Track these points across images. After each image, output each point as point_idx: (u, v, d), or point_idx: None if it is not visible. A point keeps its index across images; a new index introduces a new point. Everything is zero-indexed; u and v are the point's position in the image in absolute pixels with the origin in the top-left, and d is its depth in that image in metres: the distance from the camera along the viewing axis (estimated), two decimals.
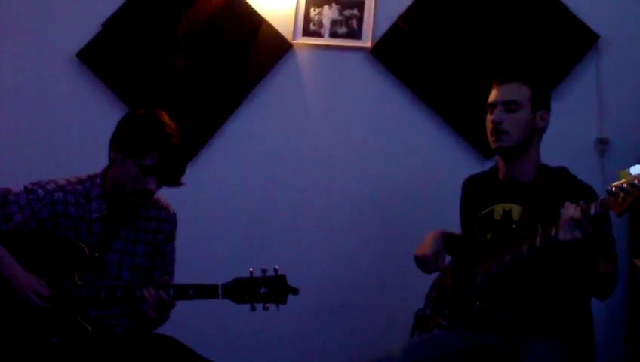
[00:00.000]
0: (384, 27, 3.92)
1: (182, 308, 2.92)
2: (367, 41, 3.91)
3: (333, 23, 3.92)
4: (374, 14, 3.91)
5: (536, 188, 2.87)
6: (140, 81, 3.93)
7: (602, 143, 3.82)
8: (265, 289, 2.71)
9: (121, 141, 2.83)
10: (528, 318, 2.79)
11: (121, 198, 2.84)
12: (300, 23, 3.93)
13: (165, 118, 2.84)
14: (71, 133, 3.94)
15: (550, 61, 3.85)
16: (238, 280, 2.73)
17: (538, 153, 2.95)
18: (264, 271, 2.72)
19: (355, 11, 3.92)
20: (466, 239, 3.05)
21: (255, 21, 3.93)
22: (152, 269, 2.99)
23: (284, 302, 2.72)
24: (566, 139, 3.68)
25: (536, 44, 3.87)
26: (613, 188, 2.42)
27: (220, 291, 2.72)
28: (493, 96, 2.94)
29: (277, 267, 2.73)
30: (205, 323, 3.72)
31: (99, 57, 3.95)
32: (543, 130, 2.95)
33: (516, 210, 2.87)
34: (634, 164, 2.46)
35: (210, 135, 3.93)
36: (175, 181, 2.87)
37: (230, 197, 3.94)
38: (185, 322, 3.13)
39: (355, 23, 3.91)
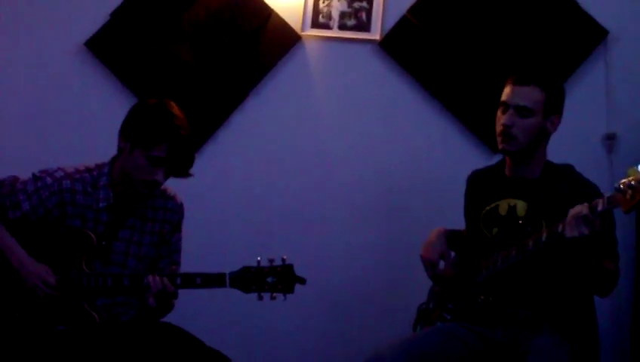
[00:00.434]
0: (393, 20, 3.91)
1: (188, 298, 2.94)
2: (375, 34, 3.90)
3: (342, 15, 3.91)
4: (383, 7, 3.90)
5: (542, 185, 2.87)
6: (148, 70, 3.92)
7: (610, 139, 3.82)
8: (272, 279, 2.72)
9: (130, 131, 2.83)
10: (532, 313, 2.79)
11: (128, 187, 2.85)
12: (309, 14, 3.92)
13: (175, 109, 2.84)
14: (79, 123, 3.94)
15: (559, 56, 3.84)
16: (246, 269, 2.73)
17: (544, 152, 2.94)
18: (271, 260, 2.73)
19: (364, 3, 3.91)
20: (470, 233, 3.05)
21: (264, 12, 3.92)
22: (158, 259, 2.99)
23: (291, 291, 2.73)
24: (574, 134, 3.67)
25: (545, 39, 3.86)
26: (621, 186, 2.41)
27: (227, 280, 2.73)
28: (506, 95, 2.88)
29: (284, 256, 2.74)
30: (211, 312, 3.73)
31: (107, 47, 3.94)
32: (551, 133, 2.93)
33: (521, 205, 2.87)
34: None
35: (217, 126, 3.92)
36: (183, 172, 2.88)
37: (237, 189, 3.94)
38: (191, 311, 3.14)
39: (364, 16, 3.91)
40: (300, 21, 3.92)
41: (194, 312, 3.29)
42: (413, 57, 3.90)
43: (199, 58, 3.93)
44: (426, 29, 3.89)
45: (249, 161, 3.95)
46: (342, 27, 3.92)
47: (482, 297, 2.84)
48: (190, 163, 2.87)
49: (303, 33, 3.93)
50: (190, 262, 3.07)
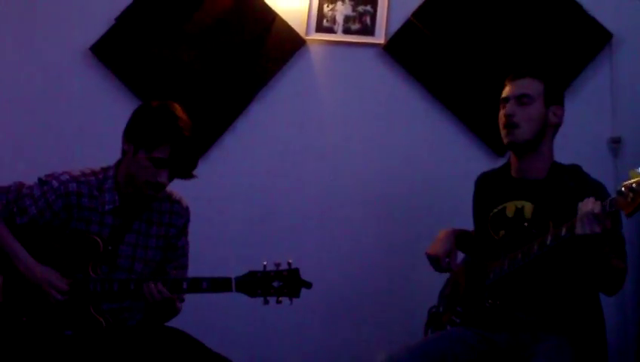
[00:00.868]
0: (397, 24, 3.92)
1: (194, 302, 2.94)
2: (380, 38, 3.90)
3: (347, 19, 3.92)
4: (388, 11, 3.91)
5: (548, 186, 2.87)
6: (153, 75, 3.93)
7: (615, 142, 3.82)
8: (278, 283, 2.72)
9: (133, 133, 2.84)
10: (540, 316, 2.79)
11: (133, 190, 2.85)
12: (314, 18, 3.93)
13: (178, 110, 2.85)
14: (84, 127, 3.94)
15: (563, 59, 3.84)
16: (252, 274, 2.73)
17: (551, 150, 2.95)
18: (277, 264, 2.73)
19: (369, 7, 3.91)
20: (478, 236, 3.05)
21: (268, 16, 3.93)
22: (164, 262, 2.99)
23: (297, 295, 2.73)
24: (579, 138, 3.67)
25: (550, 42, 3.86)
26: (623, 189, 2.41)
27: (233, 284, 2.73)
28: (506, 91, 2.95)
29: (290, 261, 2.74)
30: (217, 317, 3.72)
31: (112, 51, 3.94)
32: (556, 126, 2.94)
33: (528, 207, 2.87)
34: None
35: (222, 130, 3.92)
36: (187, 174, 2.88)
37: (242, 193, 3.93)
38: (197, 316, 3.14)
39: (368, 20, 3.91)
40: (305, 25, 3.93)
41: (200, 317, 3.28)
42: (417, 61, 3.90)
43: (204, 62, 3.93)
44: (431, 33, 3.89)
45: (254, 165, 3.95)
46: (346, 31, 3.92)
47: (490, 301, 2.84)
48: (193, 164, 2.88)
49: (307, 37, 3.93)
50: (196, 265, 3.07)
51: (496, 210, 2.95)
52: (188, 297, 2.93)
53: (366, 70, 3.95)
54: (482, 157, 3.82)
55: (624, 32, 3.86)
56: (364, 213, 3.91)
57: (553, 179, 2.88)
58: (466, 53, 3.88)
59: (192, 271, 3.01)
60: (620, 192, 2.42)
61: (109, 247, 2.83)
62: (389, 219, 3.91)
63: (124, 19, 3.95)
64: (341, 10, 3.92)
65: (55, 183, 2.83)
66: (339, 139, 3.93)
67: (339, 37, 3.93)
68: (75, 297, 2.77)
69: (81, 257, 2.81)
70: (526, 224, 2.84)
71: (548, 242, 2.64)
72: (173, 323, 2.94)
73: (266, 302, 2.73)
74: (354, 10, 3.92)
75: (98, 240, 2.80)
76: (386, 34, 3.91)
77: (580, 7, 3.86)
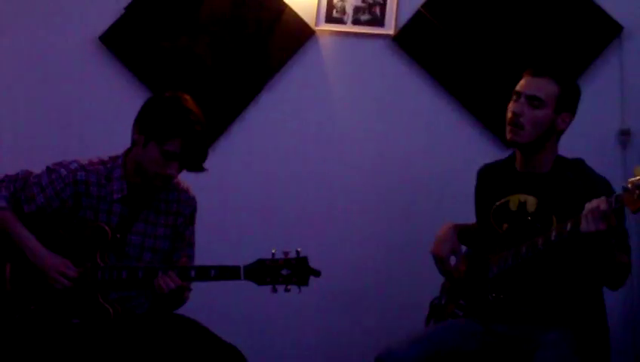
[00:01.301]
0: (407, 15, 3.90)
1: (203, 290, 2.94)
2: (390, 29, 3.89)
3: (356, 9, 3.91)
4: (397, 1, 3.88)
5: (552, 180, 2.85)
6: (162, 65, 3.93)
7: (624, 135, 3.81)
8: (287, 271, 2.72)
9: (145, 124, 2.84)
10: (543, 309, 2.79)
11: (142, 179, 2.86)
12: (323, 9, 3.91)
13: (191, 103, 2.85)
14: (93, 117, 3.94)
15: (573, 52, 3.83)
16: (260, 262, 2.74)
17: (555, 146, 2.92)
18: (286, 253, 2.73)
19: None
20: (480, 228, 3.03)
21: (278, 7, 3.92)
22: (172, 252, 3.00)
23: (306, 283, 2.73)
24: (588, 130, 3.65)
25: (560, 35, 3.85)
26: (629, 185, 2.40)
27: (242, 272, 2.73)
28: (521, 85, 2.88)
29: (299, 249, 2.74)
30: (226, 305, 3.74)
31: (121, 41, 3.94)
32: (562, 131, 2.91)
33: (531, 201, 2.85)
34: None
35: (231, 120, 3.92)
36: (197, 167, 2.88)
37: (250, 183, 3.94)
38: (205, 304, 3.15)
39: (378, 10, 3.90)
40: (314, 16, 3.92)
41: (209, 305, 3.30)
42: (427, 52, 3.90)
43: (213, 52, 3.93)
44: (441, 24, 3.88)
45: (262, 155, 3.95)
46: (356, 22, 3.91)
47: (493, 294, 2.84)
48: (204, 158, 2.88)
49: (316, 28, 3.92)
50: (204, 255, 3.07)
51: (499, 203, 2.93)
52: (196, 285, 2.93)
53: (375, 61, 3.94)
54: (492, 150, 3.80)
55: (634, 25, 3.84)
56: (371, 203, 3.92)
57: (557, 173, 2.86)
58: (475, 45, 3.87)
59: (200, 260, 3.00)
60: (625, 189, 2.41)
61: (117, 236, 2.83)
62: (398, 210, 3.91)
63: (133, 8, 3.94)
64: (351, 1, 3.91)
65: (63, 171, 2.84)
66: (348, 130, 3.93)
67: (348, 28, 3.92)
68: (83, 285, 2.78)
69: (90, 245, 2.81)
70: (529, 218, 2.83)
71: (552, 237, 2.63)
72: (181, 311, 2.95)
73: (275, 290, 2.73)
74: (363, 1, 3.91)
75: (106, 228, 2.81)
76: (395, 25, 3.89)
77: None
